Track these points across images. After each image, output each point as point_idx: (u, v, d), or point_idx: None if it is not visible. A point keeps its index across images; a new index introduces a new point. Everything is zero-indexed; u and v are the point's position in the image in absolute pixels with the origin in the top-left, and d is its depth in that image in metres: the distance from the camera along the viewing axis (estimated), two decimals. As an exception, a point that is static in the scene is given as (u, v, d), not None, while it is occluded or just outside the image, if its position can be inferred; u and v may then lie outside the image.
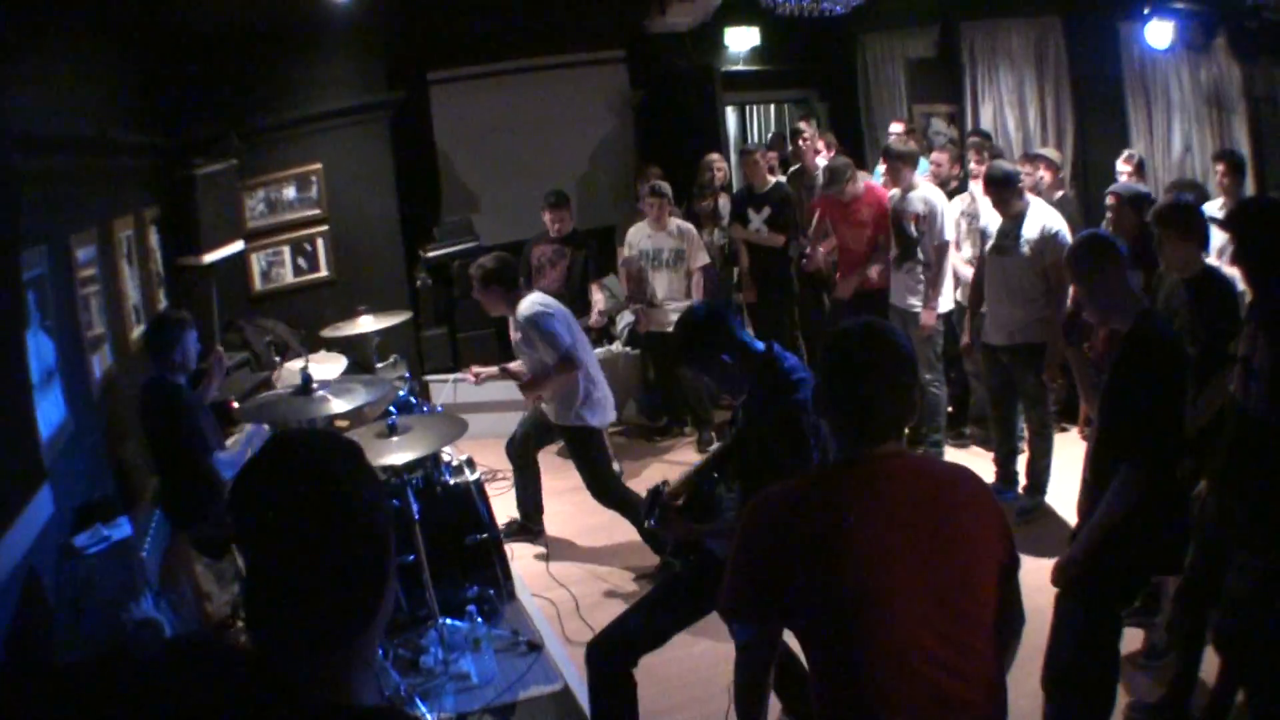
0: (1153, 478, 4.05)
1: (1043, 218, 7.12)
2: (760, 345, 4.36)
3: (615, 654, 4.45)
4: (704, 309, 4.63)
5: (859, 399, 2.75)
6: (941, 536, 2.67)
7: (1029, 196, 7.36)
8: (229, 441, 6.25)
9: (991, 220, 7.46)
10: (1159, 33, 9.08)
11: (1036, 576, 4.02)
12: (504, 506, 7.65)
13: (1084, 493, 4.45)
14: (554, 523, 7.75)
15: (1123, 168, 8.21)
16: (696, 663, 5.61)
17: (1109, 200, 7.12)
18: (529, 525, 7.63)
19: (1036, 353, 7.09)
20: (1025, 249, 7.07)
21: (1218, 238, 6.71)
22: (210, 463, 5.73)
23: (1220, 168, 7.79)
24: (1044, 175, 8.61)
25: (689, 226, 9.02)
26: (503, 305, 6.82)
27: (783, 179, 9.89)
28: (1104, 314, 4.40)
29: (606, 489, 6.92)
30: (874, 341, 2.80)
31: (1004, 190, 7.18)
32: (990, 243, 7.41)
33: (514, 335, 7.04)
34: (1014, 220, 7.17)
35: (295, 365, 6.90)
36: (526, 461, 7.50)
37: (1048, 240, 6.99)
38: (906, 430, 8.82)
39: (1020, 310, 7.13)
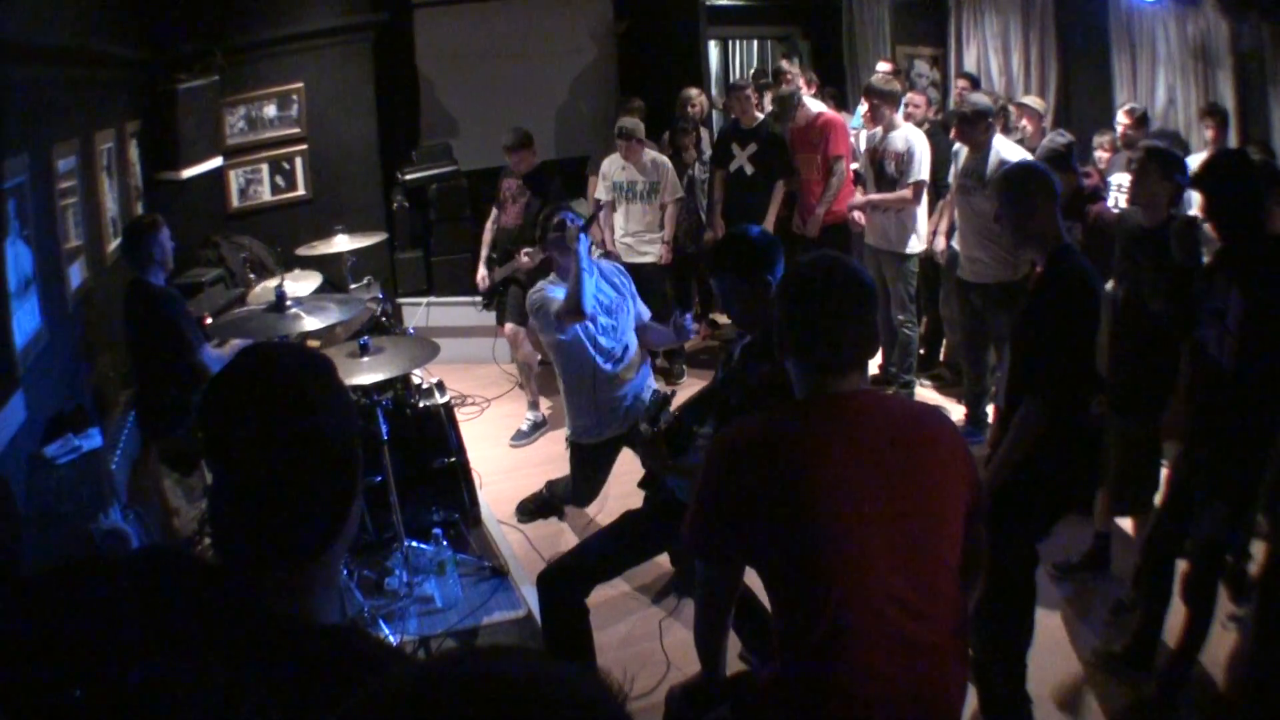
0: (1060, 414, 4.05)
1: (1003, 153, 7.05)
2: None
3: (568, 584, 4.44)
4: (764, 232, 4.29)
5: (821, 328, 2.69)
6: (908, 476, 2.62)
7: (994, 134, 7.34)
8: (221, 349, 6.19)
9: (959, 159, 7.50)
10: (1147, -15, 9.09)
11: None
12: (472, 432, 7.66)
13: (997, 423, 4.46)
14: (517, 452, 7.82)
15: (1123, 119, 8.05)
16: (650, 596, 5.71)
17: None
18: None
19: (1008, 291, 7.03)
20: (988, 189, 6.99)
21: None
22: (198, 356, 5.75)
23: (1210, 123, 7.78)
24: (1025, 124, 8.60)
25: (663, 159, 8.85)
26: None
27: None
28: (1021, 243, 4.45)
29: None
30: (833, 271, 2.75)
31: (972, 126, 7.18)
32: (955, 182, 7.44)
33: None
34: (978, 160, 7.15)
35: (271, 284, 6.87)
36: None
37: None
38: (877, 370, 8.79)
39: (988, 251, 7.10)
